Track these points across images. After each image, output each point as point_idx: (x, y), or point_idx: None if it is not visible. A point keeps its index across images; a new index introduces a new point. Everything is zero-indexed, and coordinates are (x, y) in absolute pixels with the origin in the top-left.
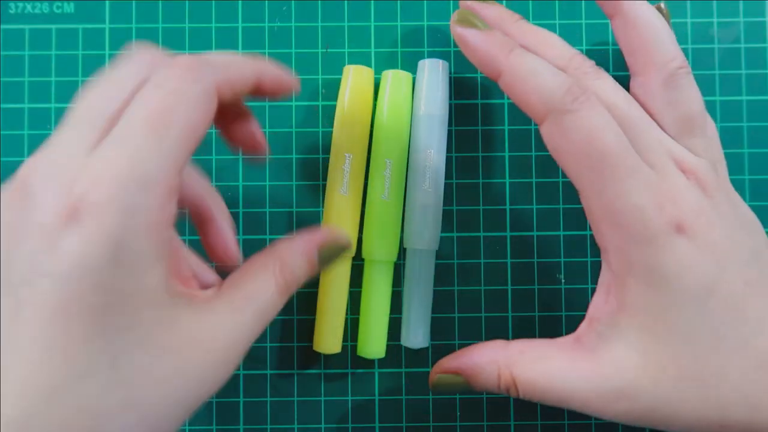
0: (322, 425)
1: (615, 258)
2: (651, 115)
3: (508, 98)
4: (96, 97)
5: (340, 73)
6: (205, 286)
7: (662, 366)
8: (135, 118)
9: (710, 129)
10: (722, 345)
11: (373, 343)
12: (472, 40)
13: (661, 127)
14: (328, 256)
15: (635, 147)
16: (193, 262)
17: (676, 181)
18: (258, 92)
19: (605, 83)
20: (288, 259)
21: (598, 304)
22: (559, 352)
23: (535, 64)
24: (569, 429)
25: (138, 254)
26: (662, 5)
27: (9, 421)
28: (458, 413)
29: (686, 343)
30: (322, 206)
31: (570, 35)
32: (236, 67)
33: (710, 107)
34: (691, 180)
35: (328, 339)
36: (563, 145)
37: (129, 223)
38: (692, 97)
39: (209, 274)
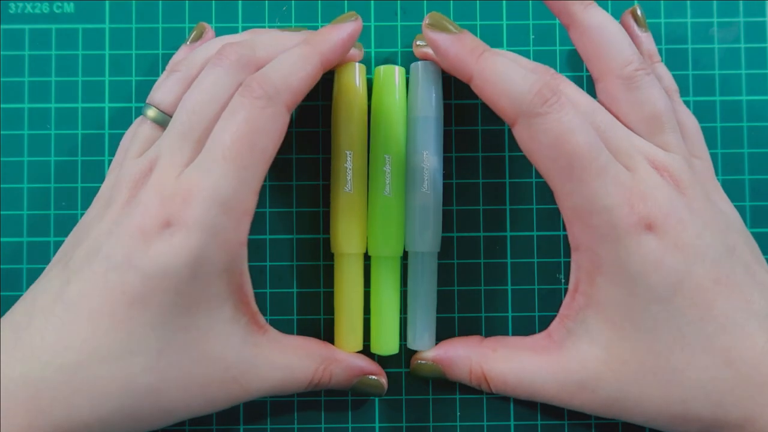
0: (322, 425)
1: (585, 256)
2: (617, 119)
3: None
4: (194, 114)
5: None
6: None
7: (625, 360)
8: (216, 147)
9: (690, 126)
10: (686, 342)
11: (386, 340)
12: (442, 44)
13: (630, 129)
14: (362, 388)
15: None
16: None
17: (648, 179)
18: (328, 68)
19: (568, 90)
20: (334, 368)
21: (568, 302)
22: (528, 349)
23: (505, 67)
24: (569, 429)
25: (210, 268)
26: (637, 8)
27: (64, 363)
28: (458, 413)
29: (650, 339)
30: (322, 206)
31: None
32: (297, 74)
33: (710, 107)
34: (665, 177)
35: (350, 338)
36: (534, 148)
37: (209, 241)
38: (655, 95)
39: (260, 317)
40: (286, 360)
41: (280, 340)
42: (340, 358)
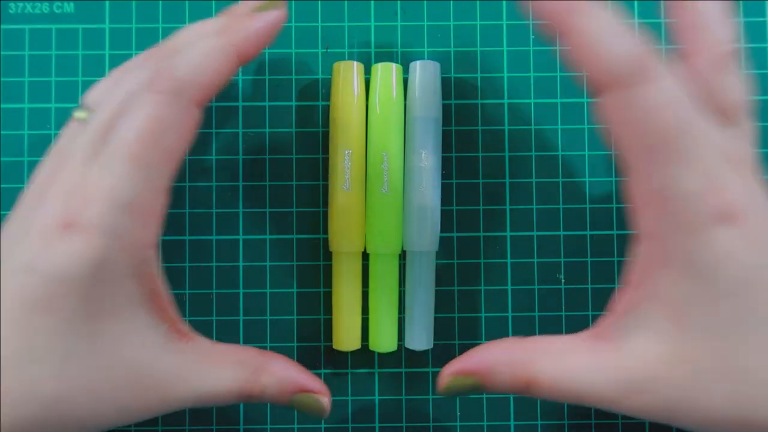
0: (322, 425)
1: (652, 247)
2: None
3: (509, 98)
4: (101, 111)
5: None
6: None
7: (688, 359)
8: (118, 146)
9: (748, 124)
10: (757, 341)
11: (385, 337)
12: None
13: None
14: (297, 406)
15: None
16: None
17: (727, 170)
18: (245, 61)
19: None
20: (266, 379)
21: (624, 297)
22: (578, 347)
23: (607, 26)
24: (569, 429)
25: (115, 272)
26: None
27: None
28: (458, 413)
29: (719, 337)
30: (322, 206)
31: None
32: (208, 68)
33: None
34: (741, 169)
35: (347, 337)
36: (622, 120)
37: (111, 245)
38: (736, 84)
39: (182, 324)
40: (212, 369)
41: (207, 348)
42: (273, 370)
